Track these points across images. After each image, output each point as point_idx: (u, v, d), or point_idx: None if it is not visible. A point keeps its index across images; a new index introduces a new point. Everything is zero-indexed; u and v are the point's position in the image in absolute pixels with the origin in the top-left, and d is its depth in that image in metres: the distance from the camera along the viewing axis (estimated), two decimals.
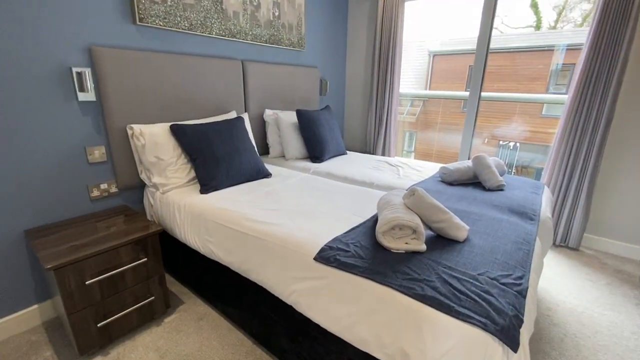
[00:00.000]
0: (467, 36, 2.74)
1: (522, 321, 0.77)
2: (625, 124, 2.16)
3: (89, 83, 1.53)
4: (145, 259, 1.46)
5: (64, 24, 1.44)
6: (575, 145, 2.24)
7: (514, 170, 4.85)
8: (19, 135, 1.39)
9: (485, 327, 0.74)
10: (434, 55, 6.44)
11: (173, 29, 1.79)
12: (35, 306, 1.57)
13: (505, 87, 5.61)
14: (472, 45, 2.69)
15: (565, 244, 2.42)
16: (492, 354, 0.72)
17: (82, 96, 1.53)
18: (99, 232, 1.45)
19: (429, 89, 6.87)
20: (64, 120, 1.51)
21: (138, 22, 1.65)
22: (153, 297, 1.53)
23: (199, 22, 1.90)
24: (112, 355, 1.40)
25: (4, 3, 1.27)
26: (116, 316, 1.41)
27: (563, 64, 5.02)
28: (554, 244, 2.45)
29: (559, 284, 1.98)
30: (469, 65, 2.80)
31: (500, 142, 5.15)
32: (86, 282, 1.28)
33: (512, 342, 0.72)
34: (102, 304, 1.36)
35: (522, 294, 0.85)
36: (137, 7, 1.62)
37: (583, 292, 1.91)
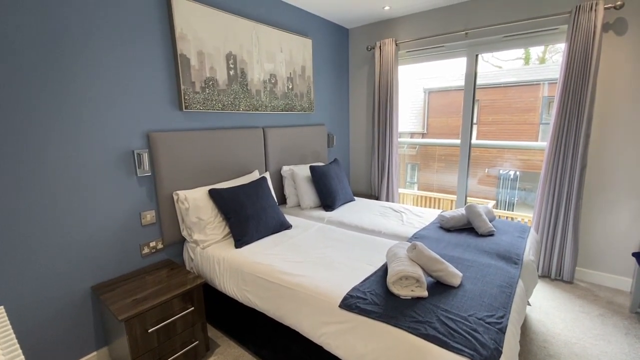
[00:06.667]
0: (459, 73, 3.14)
1: (500, 352, 1.03)
2: (601, 168, 2.46)
3: (146, 161, 1.89)
4: (192, 308, 1.73)
5: (131, 119, 1.83)
6: (557, 188, 2.54)
7: (516, 199, 5.06)
8: (92, 206, 1.72)
9: (472, 358, 0.99)
10: (429, 92, 7.00)
11: (210, 110, 2.19)
12: (94, 353, 1.81)
13: (500, 119, 6.04)
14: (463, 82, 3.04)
15: (560, 277, 2.64)
16: None
17: (140, 172, 1.88)
18: (154, 286, 1.73)
19: (427, 123, 7.33)
20: (126, 192, 1.86)
21: (184, 109, 2.05)
22: (197, 342, 1.77)
23: (229, 102, 2.31)
24: None
25: (90, 108, 1.67)
26: None
27: (548, 96, 5.45)
28: (549, 277, 2.66)
29: (555, 317, 2.18)
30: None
31: (501, 171, 5.45)
32: (148, 330, 1.55)
33: None
34: (158, 349, 1.61)
35: (502, 331, 1.11)
36: (184, 98, 2.03)
37: (577, 323, 2.11)
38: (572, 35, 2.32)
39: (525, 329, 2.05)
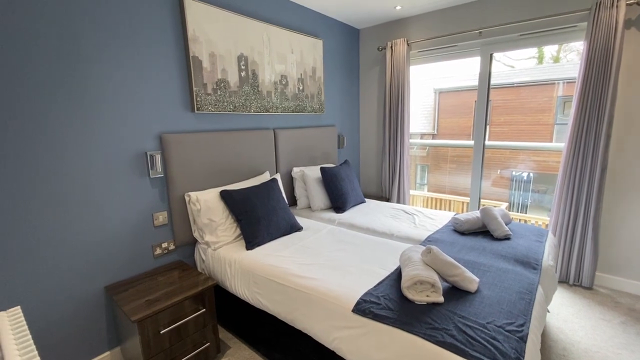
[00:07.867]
0: (471, 73, 3.07)
1: None
2: (622, 170, 2.37)
3: (159, 163, 1.90)
4: (204, 309, 1.73)
5: (144, 120, 1.85)
6: (576, 190, 2.45)
7: (529, 201, 4.93)
8: (105, 206, 1.74)
9: None
10: (439, 93, 6.91)
11: (221, 112, 2.20)
12: (107, 353, 1.83)
13: (513, 119, 5.90)
14: (475, 82, 2.97)
15: (578, 283, 2.55)
16: None
17: (152, 173, 1.89)
18: (166, 287, 1.73)
19: (437, 124, 7.24)
20: (138, 193, 1.87)
21: (196, 111, 2.05)
22: (208, 344, 1.77)
23: (240, 104, 2.31)
24: None
25: (105, 110, 1.69)
26: None
27: (563, 95, 5.29)
28: (568, 283, 2.58)
29: (574, 324, 2.10)
30: (475, 101, 3.05)
31: (514, 172, 5.33)
32: (161, 332, 1.55)
33: None
34: (169, 350, 1.61)
35: (523, 339, 1.07)
36: (196, 100, 2.04)
37: (597, 331, 2.03)
38: (592, 33, 2.25)
39: (543, 336, 1.98)
